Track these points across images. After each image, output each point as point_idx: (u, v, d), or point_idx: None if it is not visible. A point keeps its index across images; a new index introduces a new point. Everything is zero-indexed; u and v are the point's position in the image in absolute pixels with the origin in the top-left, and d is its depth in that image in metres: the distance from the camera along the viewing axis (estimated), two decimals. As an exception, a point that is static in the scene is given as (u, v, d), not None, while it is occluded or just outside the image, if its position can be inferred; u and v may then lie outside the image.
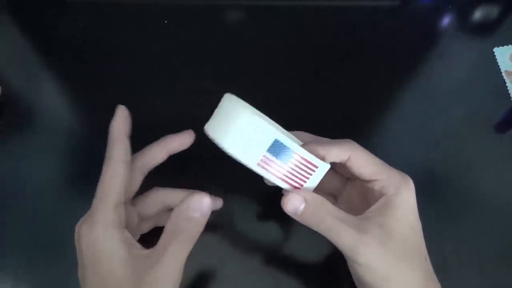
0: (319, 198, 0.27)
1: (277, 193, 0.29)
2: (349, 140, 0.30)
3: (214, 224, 0.37)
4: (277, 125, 0.32)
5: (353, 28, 0.50)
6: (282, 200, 0.27)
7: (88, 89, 0.45)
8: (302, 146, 0.28)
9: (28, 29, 0.49)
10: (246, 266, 0.35)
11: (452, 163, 0.41)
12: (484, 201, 0.39)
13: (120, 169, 0.28)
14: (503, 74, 0.46)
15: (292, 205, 0.27)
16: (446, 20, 0.51)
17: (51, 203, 0.38)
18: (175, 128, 0.42)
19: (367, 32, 0.49)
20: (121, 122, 0.30)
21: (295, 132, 0.33)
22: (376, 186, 0.29)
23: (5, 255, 0.36)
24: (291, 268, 0.35)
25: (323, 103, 0.44)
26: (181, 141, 0.32)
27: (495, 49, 0.47)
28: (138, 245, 0.27)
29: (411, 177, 0.30)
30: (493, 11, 0.51)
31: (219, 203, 0.34)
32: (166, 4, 0.51)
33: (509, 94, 0.45)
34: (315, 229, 0.27)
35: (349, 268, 0.28)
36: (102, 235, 0.26)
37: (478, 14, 0.51)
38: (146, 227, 0.33)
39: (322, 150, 0.28)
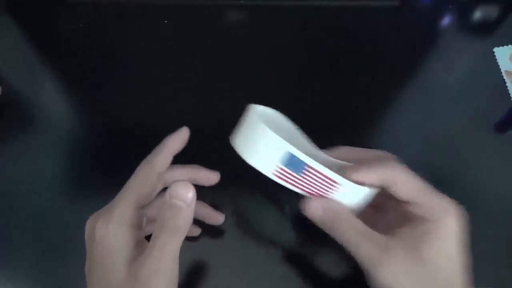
0: (340, 208, 0.27)
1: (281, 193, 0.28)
2: (390, 160, 0.28)
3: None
4: (305, 138, 0.32)
5: (353, 28, 0.50)
6: (302, 204, 0.27)
7: (88, 89, 0.45)
8: (339, 171, 0.27)
9: (28, 29, 0.49)
10: (253, 266, 0.35)
11: (452, 163, 0.41)
12: (484, 201, 0.39)
13: (153, 177, 0.29)
14: (503, 74, 0.46)
15: (311, 210, 0.27)
16: (446, 20, 0.51)
17: (51, 203, 0.38)
18: (175, 128, 0.42)
19: (367, 32, 0.49)
20: (177, 140, 0.31)
21: (337, 148, 0.32)
22: (416, 210, 0.27)
23: (5, 254, 0.36)
24: (299, 269, 0.35)
25: (323, 103, 0.44)
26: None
27: (495, 49, 0.47)
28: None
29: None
30: (493, 11, 0.51)
31: (220, 218, 0.35)
32: (166, 4, 0.51)
33: (509, 94, 0.45)
34: (334, 237, 0.27)
35: (368, 284, 0.27)
36: (116, 231, 0.26)
37: (478, 14, 0.51)
38: (152, 229, 0.33)
39: (360, 176, 0.27)
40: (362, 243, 0.26)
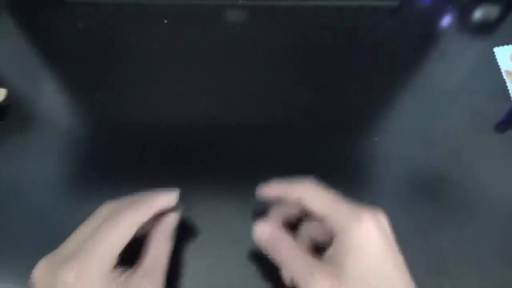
0: (280, 231, 0.29)
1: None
2: (307, 179, 0.30)
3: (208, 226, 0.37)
4: None
5: (353, 28, 0.50)
6: (253, 228, 0.30)
7: (88, 89, 0.45)
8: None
9: (28, 29, 0.49)
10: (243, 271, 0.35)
11: (452, 163, 0.41)
12: (484, 201, 0.39)
13: (133, 231, 0.28)
14: (503, 74, 0.46)
15: (258, 233, 0.30)
16: (446, 20, 0.51)
17: (51, 203, 0.38)
18: (175, 128, 0.42)
19: (367, 32, 0.49)
20: (165, 201, 0.31)
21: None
22: (331, 223, 0.27)
23: (5, 255, 0.36)
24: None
25: (322, 103, 0.44)
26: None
27: (495, 49, 0.47)
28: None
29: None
30: (493, 11, 0.51)
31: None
32: (166, 4, 0.51)
33: (509, 94, 0.45)
34: (274, 259, 0.28)
35: None
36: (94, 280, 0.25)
37: (478, 14, 0.51)
38: None
39: (282, 192, 0.30)
40: (295, 265, 0.27)
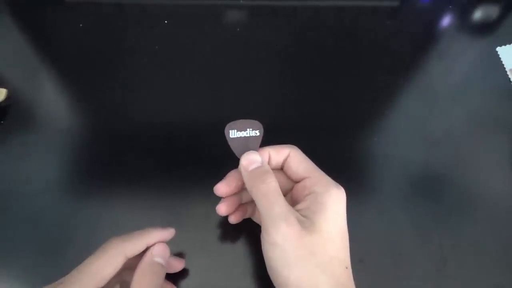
0: (268, 167, 0.30)
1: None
2: (290, 145, 0.32)
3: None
4: None
5: (353, 28, 0.50)
6: (242, 156, 0.30)
7: (88, 89, 0.45)
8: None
9: (29, 29, 0.49)
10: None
11: (452, 163, 0.41)
12: (484, 201, 0.39)
13: (119, 261, 0.28)
14: (508, 73, 0.45)
15: (248, 160, 0.30)
16: (446, 20, 0.51)
17: (51, 203, 0.38)
18: (174, 128, 0.42)
19: (367, 32, 0.49)
20: (158, 236, 0.30)
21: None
22: (312, 183, 0.29)
23: (5, 254, 0.36)
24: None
25: (323, 103, 0.44)
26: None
27: (498, 48, 0.47)
28: None
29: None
30: (493, 10, 0.51)
31: (180, 265, 0.34)
32: (166, 4, 0.51)
33: None
34: (254, 190, 0.28)
35: (262, 245, 0.28)
36: None
37: (478, 14, 0.51)
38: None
39: (263, 154, 0.31)
40: (277, 201, 0.27)
